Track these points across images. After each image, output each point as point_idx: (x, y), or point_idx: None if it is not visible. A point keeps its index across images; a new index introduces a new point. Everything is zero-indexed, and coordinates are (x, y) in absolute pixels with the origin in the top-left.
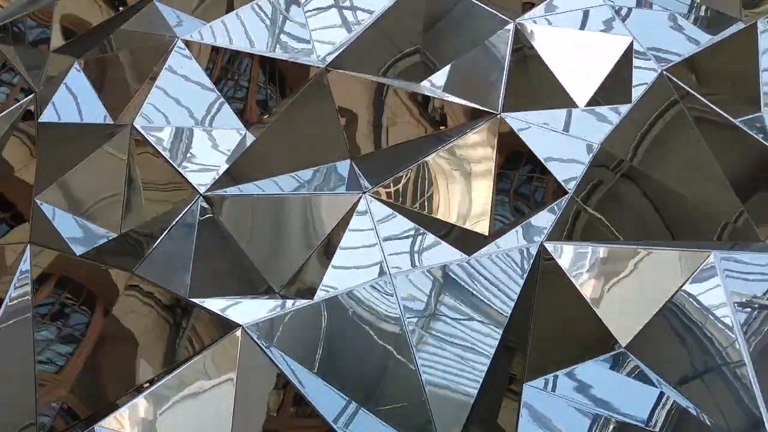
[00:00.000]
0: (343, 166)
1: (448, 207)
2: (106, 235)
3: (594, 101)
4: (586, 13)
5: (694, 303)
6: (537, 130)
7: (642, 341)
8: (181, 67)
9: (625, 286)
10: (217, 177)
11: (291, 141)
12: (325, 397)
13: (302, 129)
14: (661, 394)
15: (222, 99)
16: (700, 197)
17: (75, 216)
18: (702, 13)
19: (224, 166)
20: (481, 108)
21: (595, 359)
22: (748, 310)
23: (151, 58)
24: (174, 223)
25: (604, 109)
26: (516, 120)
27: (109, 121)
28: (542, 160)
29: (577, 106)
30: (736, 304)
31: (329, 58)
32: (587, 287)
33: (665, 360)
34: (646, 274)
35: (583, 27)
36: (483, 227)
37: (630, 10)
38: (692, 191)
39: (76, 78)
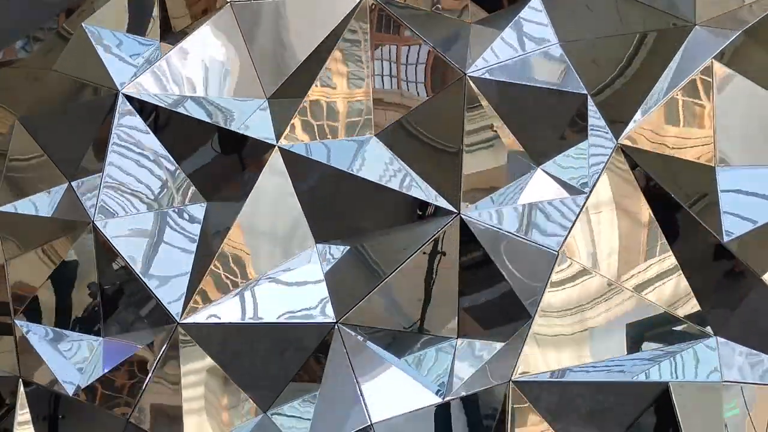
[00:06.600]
0: (308, 253)
1: (416, 312)
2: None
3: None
4: (538, 61)
5: None
6: (497, 233)
7: None
8: (129, 130)
9: None
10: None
11: (256, 228)
12: None
13: (266, 217)
14: None
15: (180, 173)
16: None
17: (57, 330)
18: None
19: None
20: (440, 206)
21: None
22: None
23: (94, 115)
24: (158, 358)
25: (563, 204)
26: (475, 222)
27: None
28: (502, 272)
29: (536, 166)
30: None
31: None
32: None
33: None
34: None
35: (534, 75)
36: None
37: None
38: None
39: (22, 142)
